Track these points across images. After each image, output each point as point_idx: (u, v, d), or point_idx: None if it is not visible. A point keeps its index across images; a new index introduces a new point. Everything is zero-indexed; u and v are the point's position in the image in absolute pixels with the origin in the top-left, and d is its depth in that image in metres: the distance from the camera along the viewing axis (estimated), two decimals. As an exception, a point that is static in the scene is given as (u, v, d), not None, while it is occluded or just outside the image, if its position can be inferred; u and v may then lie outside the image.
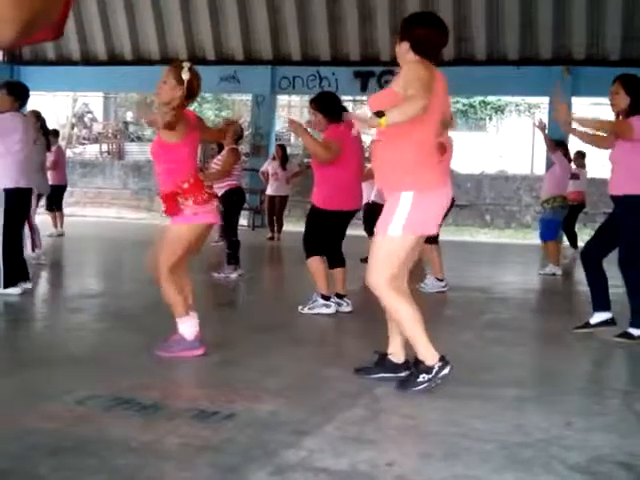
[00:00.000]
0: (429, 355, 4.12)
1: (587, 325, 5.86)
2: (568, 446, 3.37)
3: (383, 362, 4.42)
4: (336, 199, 6.37)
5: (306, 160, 14.53)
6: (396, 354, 4.39)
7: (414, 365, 4.21)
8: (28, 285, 6.88)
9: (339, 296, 6.60)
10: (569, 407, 4.01)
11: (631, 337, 5.64)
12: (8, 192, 6.68)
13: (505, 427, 3.62)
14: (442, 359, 4.12)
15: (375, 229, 4.28)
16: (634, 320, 5.68)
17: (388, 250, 4.12)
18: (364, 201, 11.15)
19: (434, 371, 4.10)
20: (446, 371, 4.11)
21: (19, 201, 6.79)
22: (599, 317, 5.84)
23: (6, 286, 6.69)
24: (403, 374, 4.30)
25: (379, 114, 3.71)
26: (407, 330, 4.16)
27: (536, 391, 4.37)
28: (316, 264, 6.47)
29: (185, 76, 4.61)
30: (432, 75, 4.00)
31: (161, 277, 4.64)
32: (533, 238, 16.65)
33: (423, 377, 4.11)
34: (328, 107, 6.46)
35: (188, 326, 4.67)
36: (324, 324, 6.19)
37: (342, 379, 4.38)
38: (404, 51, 4.19)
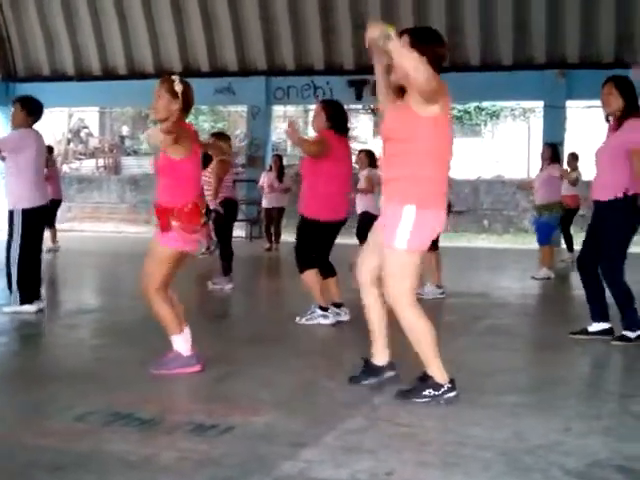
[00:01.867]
0: (440, 374, 4.12)
1: (584, 332, 5.85)
2: (567, 451, 3.37)
3: (368, 367, 4.46)
4: (327, 209, 6.37)
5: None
6: (377, 356, 4.41)
7: (421, 379, 4.17)
8: (42, 304, 6.86)
9: (336, 305, 6.60)
10: (567, 412, 4.00)
11: (628, 339, 5.65)
12: (25, 213, 6.67)
13: (503, 434, 3.62)
14: (451, 382, 4.12)
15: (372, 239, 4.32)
16: (627, 323, 5.70)
17: (402, 266, 4.09)
18: (360, 210, 11.19)
19: (442, 390, 4.09)
20: (452, 394, 4.09)
21: (38, 219, 6.82)
22: (598, 327, 5.83)
23: (22, 303, 6.70)
24: (388, 375, 4.38)
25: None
26: (422, 347, 4.13)
27: (534, 397, 4.36)
28: (311, 277, 6.47)
29: (178, 88, 4.59)
30: (446, 93, 4.05)
31: (150, 298, 4.61)
32: (531, 243, 16.67)
33: (429, 392, 4.09)
34: (336, 114, 6.46)
35: (183, 342, 4.66)
36: (321, 335, 6.19)
37: (339, 389, 4.38)
38: None
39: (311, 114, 13.16)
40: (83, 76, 18.19)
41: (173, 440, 3.46)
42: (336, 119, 6.40)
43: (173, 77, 4.67)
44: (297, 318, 6.48)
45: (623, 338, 5.67)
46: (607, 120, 5.78)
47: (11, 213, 6.71)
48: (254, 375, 4.73)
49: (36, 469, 3.08)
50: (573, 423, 3.79)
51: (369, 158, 11.08)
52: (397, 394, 4.16)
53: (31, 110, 6.82)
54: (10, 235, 6.71)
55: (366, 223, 11.22)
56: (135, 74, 17.67)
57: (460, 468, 3.17)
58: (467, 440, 3.52)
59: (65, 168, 21.58)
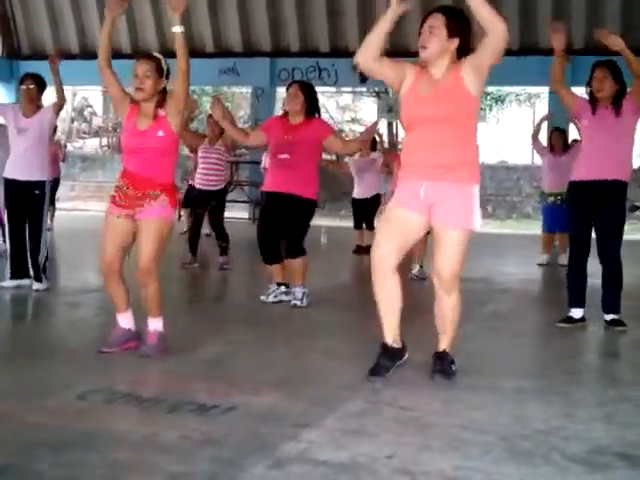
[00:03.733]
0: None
1: (570, 320, 5.79)
2: (568, 437, 3.37)
3: (388, 353, 4.25)
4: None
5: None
6: (396, 339, 4.27)
7: (441, 356, 4.25)
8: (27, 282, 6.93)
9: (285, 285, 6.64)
10: (569, 398, 4.00)
11: (624, 324, 5.71)
12: (45, 185, 6.89)
13: (505, 418, 3.62)
14: None
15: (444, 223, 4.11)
16: (617, 307, 5.75)
17: (467, 245, 4.13)
18: (373, 192, 11.25)
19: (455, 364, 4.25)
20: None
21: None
22: (579, 312, 5.80)
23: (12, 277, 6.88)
24: (406, 357, 4.32)
25: None
26: (455, 327, 4.23)
27: (536, 382, 4.36)
28: (305, 260, 6.50)
29: (165, 66, 4.58)
30: None
31: (152, 276, 4.56)
32: (534, 228, 16.65)
33: (454, 367, 4.23)
34: (313, 96, 6.41)
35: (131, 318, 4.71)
36: (319, 317, 6.18)
37: (340, 372, 4.38)
38: (445, 49, 4.02)
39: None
40: (87, 55, 18.09)
41: (174, 419, 3.46)
42: (313, 100, 6.40)
43: (157, 55, 4.65)
44: (293, 302, 6.45)
45: (621, 323, 5.73)
46: (591, 102, 5.72)
47: (34, 188, 6.77)
48: (253, 356, 4.74)
49: (37, 447, 3.07)
50: (574, 409, 3.79)
51: (372, 142, 11.15)
52: (441, 376, 4.17)
53: (43, 87, 6.95)
54: (37, 211, 6.84)
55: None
56: (139, 53, 17.55)
57: (461, 452, 3.17)
58: (468, 424, 3.52)
59: (69, 147, 21.51)
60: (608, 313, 5.79)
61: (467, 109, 4.05)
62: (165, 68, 4.57)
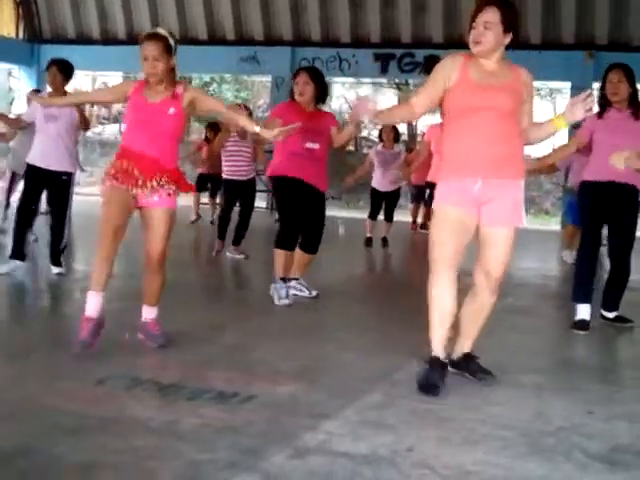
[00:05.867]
0: None
1: (585, 325, 5.63)
2: (589, 435, 3.35)
3: (439, 368, 3.96)
4: None
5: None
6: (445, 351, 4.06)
7: (471, 357, 4.19)
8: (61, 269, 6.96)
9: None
10: (589, 395, 3.98)
11: (630, 320, 5.79)
12: (72, 176, 6.89)
13: (525, 414, 3.60)
14: None
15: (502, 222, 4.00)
16: (616, 305, 5.79)
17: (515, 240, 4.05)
18: (396, 185, 11.29)
19: None
20: None
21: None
22: (586, 310, 5.69)
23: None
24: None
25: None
26: (486, 324, 4.17)
27: (556, 378, 4.34)
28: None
29: (172, 42, 4.41)
30: None
31: (164, 267, 4.52)
32: (553, 224, 16.58)
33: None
34: (323, 84, 6.32)
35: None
36: (334, 309, 6.17)
37: (357, 364, 4.38)
38: (500, 43, 3.92)
39: (335, 87, 13.07)
40: (108, 40, 18.14)
41: (194, 407, 3.46)
42: (323, 89, 6.31)
43: (162, 33, 4.43)
44: (308, 292, 6.39)
45: (625, 320, 5.80)
46: (602, 106, 5.66)
47: (61, 175, 6.79)
48: (271, 345, 4.73)
49: (58, 431, 3.08)
50: (595, 406, 3.76)
51: (395, 134, 11.17)
52: (486, 384, 4.06)
53: (69, 75, 6.87)
54: (63, 198, 6.86)
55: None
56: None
57: (480, 446, 3.16)
58: (488, 419, 3.51)
59: (88, 132, 21.58)
60: (610, 310, 5.79)
61: (521, 108, 3.97)
62: (173, 45, 4.41)
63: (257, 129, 4.65)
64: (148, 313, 4.60)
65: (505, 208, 3.96)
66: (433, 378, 3.87)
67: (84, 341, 4.24)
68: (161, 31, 4.46)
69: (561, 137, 13.42)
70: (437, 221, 3.98)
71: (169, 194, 4.43)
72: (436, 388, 3.83)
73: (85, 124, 6.93)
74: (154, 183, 4.36)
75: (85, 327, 4.28)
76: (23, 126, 7.16)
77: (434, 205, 4.02)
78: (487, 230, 3.98)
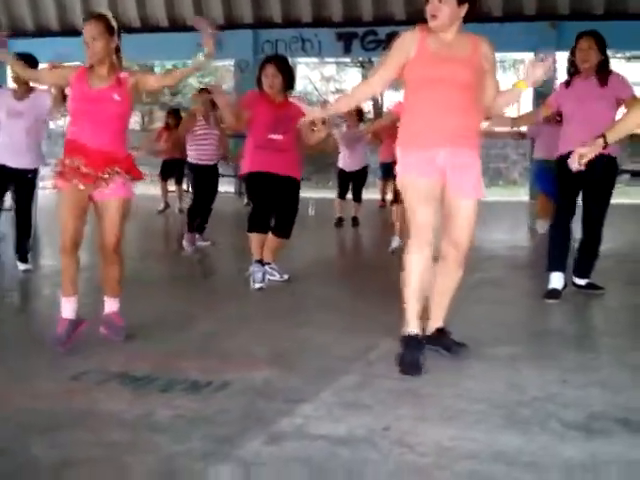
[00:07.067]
0: None
1: (557, 294, 5.65)
2: (565, 403, 3.36)
3: (415, 344, 3.92)
4: None
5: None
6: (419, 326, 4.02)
7: (444, 332, 4.19)
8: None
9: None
10: (563, 364, 4.00)
11: (600, 287, 5.85)
12: (37, 172, 6.90)
13: (500, 386, 3.61)
14: None
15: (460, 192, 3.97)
16: (588, 272, 5.83)
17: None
18: (362, 164, 11.25)
19: None
20: None
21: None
22: (559, 278, 5.69)
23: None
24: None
25: None
26: (454, 295, 4.15)
27: (530, 349, 4.35)
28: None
29: (114, 24, 4.30)
30: None
31: (120, 255, 4.46)
32: (522, 195, 16.65)
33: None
34: (290, 73, 6.31)
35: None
36: (307, 291, 6.14)
37: (333, 345, 4.36)
38: (456, 16, 3.89)
39: (299, 68, 13.04)
40: (67, 32, 17.86)
41: (167, 398, 3.43)
42: (291, 77, 6.30)
43: (104, 13, 4.35)
44: (279, 276, 6.35)
45: (595, 286, 5.85)
46: (570, 73, 5.68)
47: (27, 173, 6.73)
48: (245, 331, 4.70)
49: (32, 430, 3.04)
50: (570, 375, 3.78)
51: (359, 113, 11.16)
52: (459, 357, 4.07)
53: (32, 67, 6.67)
54: (28, 195, 6.82)
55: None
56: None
57: (457, 422, 3.16)
58: (464, 393, 3.52)
59: (51, 125, 21.32)
60: (582, 277, 5.83)
61: (481, 81, 3.96)
62: (115, 26, 4.30)
63: (200, 57, 4.59)
64: (110, 305, 4.54)
65: (469, 179, 3.96)
66: (413, 357, 3.83)
67: (59, 338, 4.23)
68: (103, 12, 4.40)
69: (526, 107, 13.45)
70: (408, 192, 3.95)
71: (123, 183, 4.35)
72: (418, 367, 3.79)
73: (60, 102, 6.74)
74: (105, 175, 4.28)
75: (61, 325, 4.30)
76: None
77: (400, 178, 4.00)
78: (453, 201, 3.97)
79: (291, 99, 6.34)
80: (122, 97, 4.32)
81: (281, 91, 6.20)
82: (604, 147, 3.96)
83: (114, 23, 4.31)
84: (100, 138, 4.28)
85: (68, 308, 4.34)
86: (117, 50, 4.38)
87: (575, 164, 3.99)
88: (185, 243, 8.45)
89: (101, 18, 4.29)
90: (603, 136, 3.94)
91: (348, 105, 4.46)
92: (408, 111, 4.03)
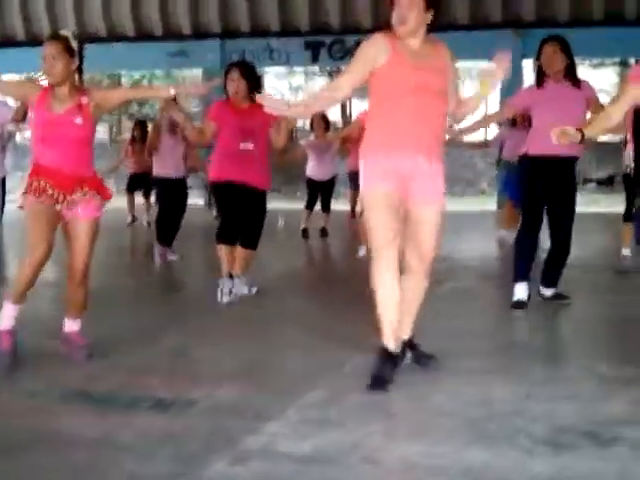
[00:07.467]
0: None
1: (522, 305, 5.68)
2: (533, 417, 3.34)
3: (390, 359, 3.88)
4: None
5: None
6: (397, 341, 3.97)
7: (413, 345, 4.14)
8: None
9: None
10: (531, 377, 3.98)
11: (567, 297, 5.87)
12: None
13: (469, 401, 3.58)
14: None
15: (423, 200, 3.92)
16: (555, 282, 5.84)
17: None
18: (332, 174, 11.25)
19: None
20: None
21: None
22: (524, 289, 5.72)
23: None
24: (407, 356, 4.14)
25: None
26: (419, 305, 4.09)
27: (498, 361, 4.33)
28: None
29: (74, 45, 4.26)
30: None
31: (88, 277, 4.38)
32: (490, 204, 16.72)
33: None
34: (254, 76, 6.24)
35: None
36: (275, 307, 6.05)
37: (301, 360, 4.32)
38: (423, 21, 3.86)
39: (268, 78, 12.95)
40: (33, 41, 17.70)
41: (132, 417, 3.37)
42: (255, 81, 6.23)
43: (64, 33, 4.32)
44: (248, 289, 6.30)
45: (562, 296, 5.86)
46: (538, 78, 5.70)
47: None
48: (212, 348, 4.63)
49: (-12, 452, 2.97)
50: (538, 388, 3.77)
51: (326, 123, 11.16)
52: (433, 368, 4.07)
53: None
54: None
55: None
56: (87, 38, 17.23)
57: (425, 437, 3.13)
58: (432, 408, 3.49)
59: (18, 137, 21.11)
60: (549, 287, 5.84)
61: (449, 88, 3.98)
62: (75, 47, 4.26)
63: (172, 91, 4.56)
64: (72, 325, 4.45)
65: (432, 188, 3.91)
66: (381, 372, 3.78)
67: (9, 353, 4.17)
68: (62, 32, 4.35)
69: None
70: (370, 204, 3.89)
71: (92, 203, 4.31)
72: (384, 383, 3.74)
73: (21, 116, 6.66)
74: (75, 197, 4.25)
75: (6, 339, 4.20)
76: None
77: (362, 189, 3.95)
78: (418, 209, 3.91)
79: (257, 100, 6.28)
80: (84, 120, 4.28)
81: (246, 96, 6.12)
82: (580, 141, 4.10)
83: (74, 44, 4.27)
84: (64, 161, 4.25)
85: (12, 317, 4.25)
86: (78, 71, 4.34)
87: (555, 138, 4.04)
88: (156, 255, 8.38)
89: (61, 39, 4.26)
90: (580, 130, 4.00)
91: (314, 107, 4.31)
92: (375, 118, 3.96)
